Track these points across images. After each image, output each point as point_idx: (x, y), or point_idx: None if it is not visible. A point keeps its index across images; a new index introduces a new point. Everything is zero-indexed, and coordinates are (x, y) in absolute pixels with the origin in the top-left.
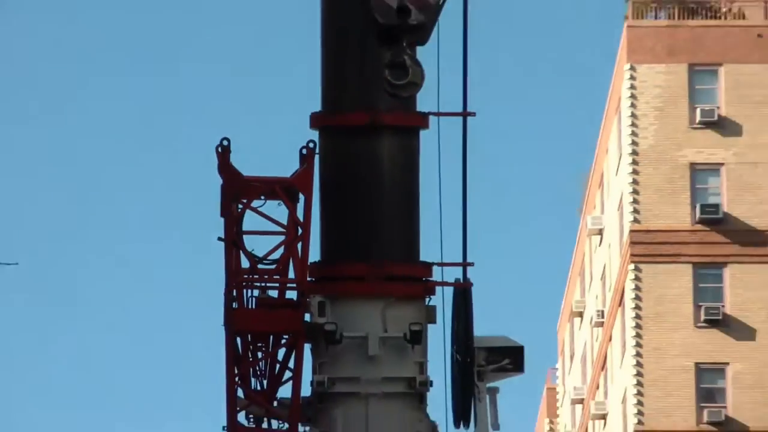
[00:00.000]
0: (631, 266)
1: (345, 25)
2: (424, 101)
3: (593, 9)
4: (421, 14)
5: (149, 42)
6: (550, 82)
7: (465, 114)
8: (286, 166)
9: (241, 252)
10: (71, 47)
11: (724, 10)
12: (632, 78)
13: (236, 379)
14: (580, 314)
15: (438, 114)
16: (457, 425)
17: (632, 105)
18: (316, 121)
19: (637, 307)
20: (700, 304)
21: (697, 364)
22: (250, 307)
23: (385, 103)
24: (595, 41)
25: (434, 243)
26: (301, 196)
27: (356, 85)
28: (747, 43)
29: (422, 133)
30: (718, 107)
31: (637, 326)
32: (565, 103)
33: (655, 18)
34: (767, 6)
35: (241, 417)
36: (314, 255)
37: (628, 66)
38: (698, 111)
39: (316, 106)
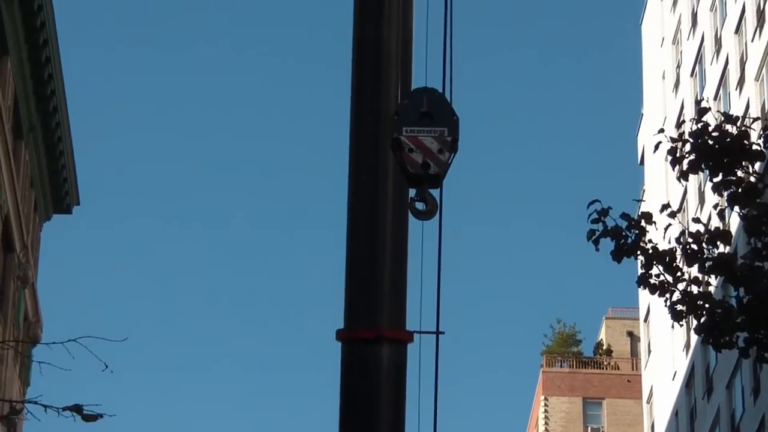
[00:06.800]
0: None
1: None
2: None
3: (522, 344)
4: (437, 167)
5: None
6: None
7: (437, 332)
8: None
9: None
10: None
11: (605, 363)
12: (546, 405)
13: None
14: None
15: (418, 332)
16: None
17: (546, 424)
18: (339, 335)
19: None
20: None
21: None
22: None
23: (386, 322)
24: (521, 380)
25: None
26: None
27: (365, 311)
28: (620, 385)
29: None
30: (602, 426)
31: None
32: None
33: (561, 367)
34: (633, 360)
35: None
36: None
37: (543, 397)
38: (589, 429)
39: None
